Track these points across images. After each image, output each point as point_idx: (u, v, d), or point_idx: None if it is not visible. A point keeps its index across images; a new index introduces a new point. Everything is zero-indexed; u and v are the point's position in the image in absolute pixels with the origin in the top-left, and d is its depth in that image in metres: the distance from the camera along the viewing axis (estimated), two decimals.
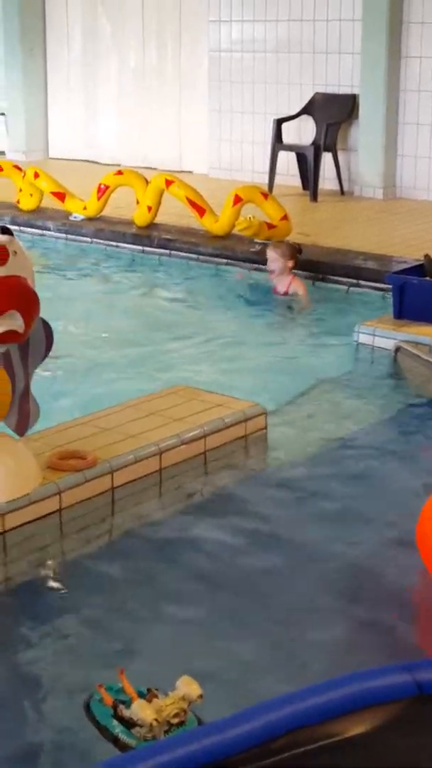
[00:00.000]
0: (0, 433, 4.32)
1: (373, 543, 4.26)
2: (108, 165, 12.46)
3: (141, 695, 3.07)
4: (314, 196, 10.67)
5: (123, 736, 2.97)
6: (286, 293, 7.78)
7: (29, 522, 4.21)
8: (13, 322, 3.98)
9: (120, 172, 9.78)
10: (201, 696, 2.98)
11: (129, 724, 2.99)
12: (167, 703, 2.97)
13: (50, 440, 4.69)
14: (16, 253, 4.02)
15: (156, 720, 2.93)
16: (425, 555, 3.88)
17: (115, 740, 2.99)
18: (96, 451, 4.58)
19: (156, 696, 3.04)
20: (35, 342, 4.31)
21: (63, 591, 3.99)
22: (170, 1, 12.36)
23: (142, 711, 2.96)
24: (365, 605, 3.87)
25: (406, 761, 2.80)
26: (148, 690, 3.08)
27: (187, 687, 3.01)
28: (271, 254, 7.80)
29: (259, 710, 2.90)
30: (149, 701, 3.01)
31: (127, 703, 3.03)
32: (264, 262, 7.98)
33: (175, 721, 2.95)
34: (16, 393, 4.27)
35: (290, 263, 7.79)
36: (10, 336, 4.02)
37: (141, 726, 2.96)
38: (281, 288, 7.81)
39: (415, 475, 4.91)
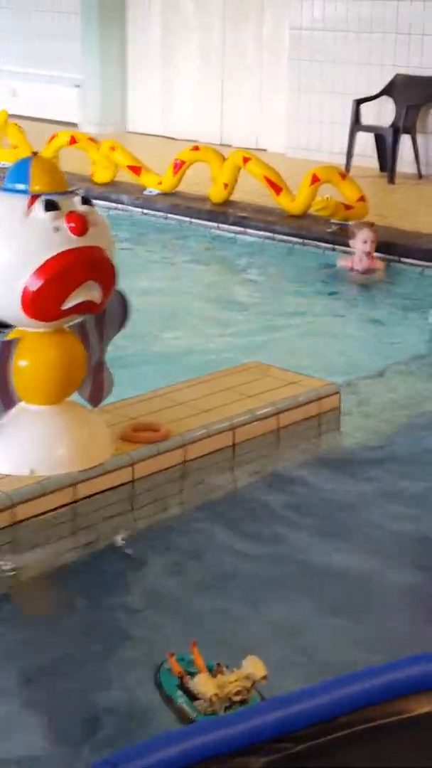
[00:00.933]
0: (74, 403, 4.33)
1: None
2: (184, 141, 12.43)
3: (210, 669, 3.07)
4: (392, 179, 10.56)
5: (186, 707, 2.99)
6: (367, 270, 7.73)
7: (101, 492, 4.23)
8: (91, 292, 3.98)
9: (196, 148, 9.76)
10: (265, 677, 2.98)
11: (193, 696, 3.00)
12: (230, 680, 2.97)
13: (124, 412, 4.70)
14: (95, 223, 4.02)
15: (216, 695, 2.94)
16: None
17: (177, 710, 3.01)
18: (169, 424, 4.58)
19: (222, 672, 3.04)
20: (112, 314, 4.32)
21: (132, 562, 3.99)
22: None
23: (203, 685, 2.97)
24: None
25: None
26: (218, 665, 3.08)
27: (253, 666, 3.01)
28: (371, 235, 7.71)
29: (326, 687, 2.90)
30: (214, 676, 3.02)
31: (195, 675, 3.04)
32: (345, 243, 7.93)
33: (237, 698, 2.96)
34: (91, 364, 4.29)
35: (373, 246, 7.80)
36: (87, 307, 4.02)
37: (202, 699, 2.97)
38: (365, 265, 7.74)
39: None
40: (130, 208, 9.77)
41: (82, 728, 3.07)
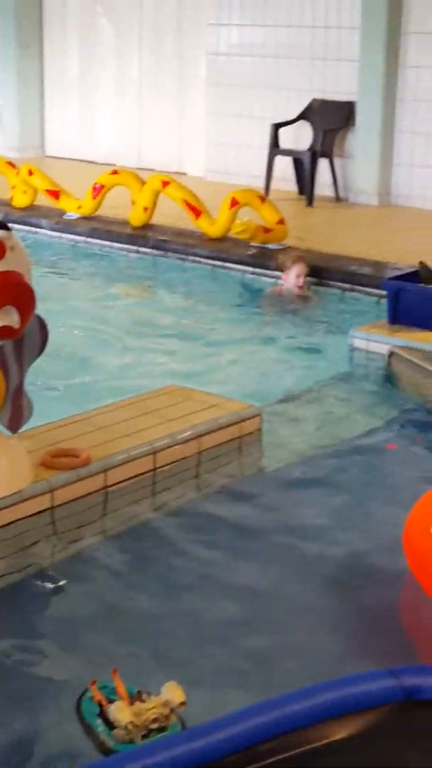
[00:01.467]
0: None
1: (364, 547, 4.23)
2: (104, 165, 12.41)
3: (131, 696, 3.02)
4: (310, 202, 10.65)
5: (104, 736, 2.93)
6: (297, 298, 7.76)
7: (20, 519, 4.15)
8: (9, 317, 3.95)
9: (116, 172, 9.76)
10: (183, 703, 2.93)
11: (112, 725, 2.94)
12: (148, 707, 2.92)
13: (43, 438, 4.63)
14: (13, 248, 3.98)
15: (132, 723, 2.88)
16: (411, 561, 3.86)
17: (95, 739, 2.95)
18: (89, 449, 4.53)
19: (142, 699, 2.99)
20: (30, 339, 4.27)
21: (53, 588, 3.92)
22: (171, 3, 12.32)
23: (119, 712, 2.92)
24: (356, 609, 3.83)
25: (391, 765, 2.77)
26: (138, 692, 3.03)
27: (171, 693, 2.96)
28: (305, 269, 7.73)
29: (245, 714, 2.87)
30: (132, 703, 2.96)
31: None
32: (265, 265, 7.96)
33: (155, 726, 2.90)
34: (10, 390, 4.23)
35: None
36: (5, 332, 3.98)
37: (119, 728, 2.91)
38: (295, 295, 7.74)
39: (407, 479, 4.88)
40: (49, 232, 9.71)
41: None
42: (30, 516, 4.19)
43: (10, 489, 4.13)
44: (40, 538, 4.18)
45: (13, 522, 4.12)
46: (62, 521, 4.28)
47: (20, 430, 4.38)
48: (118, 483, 4.52)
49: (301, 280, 7.68)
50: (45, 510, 4.24)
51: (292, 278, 7.69)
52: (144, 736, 2.89)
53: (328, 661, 3.49)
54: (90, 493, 4.42)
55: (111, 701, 2.97)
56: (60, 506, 4.30)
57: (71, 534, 4.27)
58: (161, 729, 2.92)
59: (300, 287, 7.71)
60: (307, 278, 7.77)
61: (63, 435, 4.71)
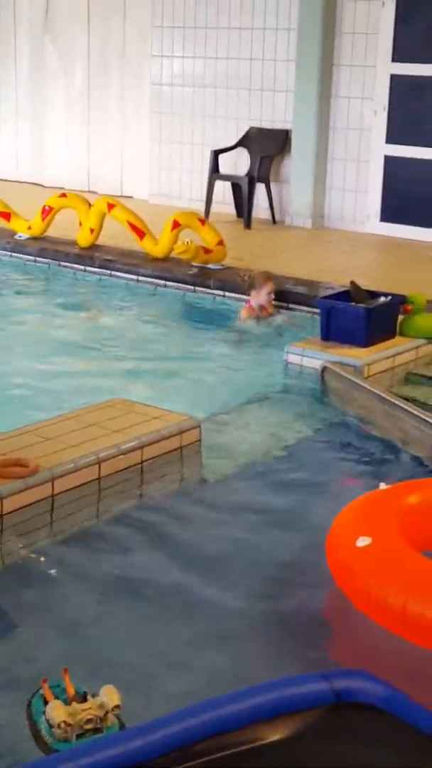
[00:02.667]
0: None
1: (294, 552, 4.22)
2: (53, 188, 12.38)
3: (78, 696, 3.00)
4: (248, 224, 10.69)
5: (44, 733, 2.90)
6: (266, 316, 7.66)
7: None
8: None
9: (64, 195, 9.70)
10: (118, 706, 2.90)
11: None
12: (83, 708, 2.89)
13: None
14: None
15: (65, 722, 2.85)
16: (332, 566, 3.86)
17: (36, 736, 2.92)
18: (37, 459, 4.50)
19: (85, 700, 2.97)
20: None
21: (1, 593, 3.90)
22: (115, 33, 12.33)
23: (53, 711, 2.89)
24: (282, 615, 3.81)
25: (323, 765, 2.77)
26: (84, 693, 3.00)
27: (107, 696, 2.93)
28: (273, 287, 7.66)
29: (179, 715, 2.85)
30: (68, 703, 2.94)
31: (64, 702, 2.96)
32: (205, 284, 7.94)
33: (89, 726, 2.87)
34: None
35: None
36: None
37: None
38: (265, 312, 7.65)
39: (336, 486, 4.91)
40: (1, 251, 9.64)
41: None
42: None
43: None
44: None
45: None
46: (10, 529, 4.25)
47: None
48: (64, 491, 4.49)
49: (271, 298, 7.66)
50: None
51: (263, 296, 7.62)
52: (79, 736, 2.87)
53: (252, 665, 3.49)
54: (37, 501, 4.38)
55: (63, 700, 2.95)
56: (8, 514, 4.26)
57: (19, 540, 4.23)
58: (96, 730, 2.89)
59: (270, 304, 7.68)
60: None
61: (11, 446, 4.67)
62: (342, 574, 3.76)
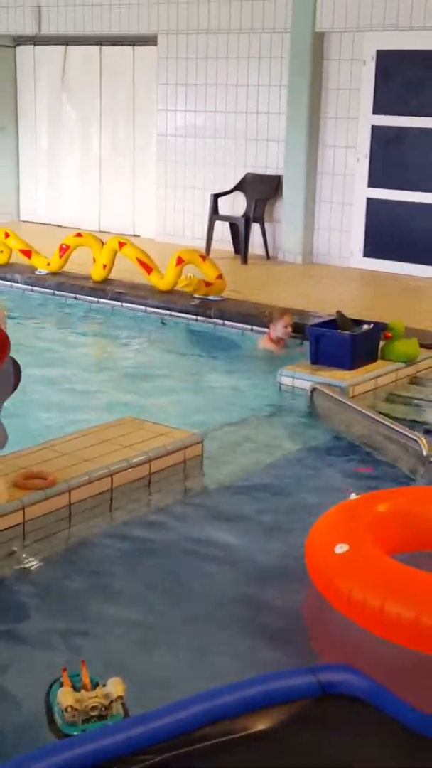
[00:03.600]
0: None
1: (280, 554, 4.24)
2: (69, 228, 12.41)
3: (93, 686, 3.01)
4: (244, 260, 10.71)
5: (56, 717, 2.91)
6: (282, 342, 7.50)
7: None
8: None
9: (79, 234, 9.73)
10: (121, 697, 2.92)
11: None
12: (90, 696, 2.91)
13: (15, 463, 4.61)
14: None
15: (71, 707, 2.87)
16: (312, 571, 3.84)
17: (49, 718, 2.93)
18: (55, 472, 4.51)
19: (96, 688, 2.98)
20: (5, 377, 4.25)
21: (25, 591, 3.90)
22: (125, 92, 12.39)
23: (62, 696, 2.92)
24: (267, 614, 3.79)
25: (309, 753, 2.77)
26: (96, 683, 3.01)
27: (112, 686, 2.95)
28: (290, 320, 7.45)
29: (176, 706, 2.85)
30: (78, 691, 2.95)
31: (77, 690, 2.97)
32: (206, 315, 7.94)
33: (94, 713, 2.88)
34: None
35: None
36: None
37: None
38: (281, 344, 7.47)
39: (321, 497, 4.85)
40: (22, 285, 9.66)
41: None
42: (4, 530, 4.17)
43: None
44: (12, 549, 4.15)
45: None
46: (32, 534, 4.26)
47: None
48: (80, 501, 4.50)
49: (287, 331, 7.43)
50: (17, 524, 4.22)
51: (279, 328, 7.40)
52: (85, 721, 2.88)
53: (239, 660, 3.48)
54: (56, 510, 4.40)
55: (77, 688, 2.96)
56: (30, 521, 4.28)
57: (39, 545, 4.24)
58: (101, 717, 2.90)
59: (285, 336, 7.46)
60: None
61: (31, 461, 4.68)
62: (322, 579, 3.73)
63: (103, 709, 2.89)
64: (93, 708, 2.88)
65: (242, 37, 10.98)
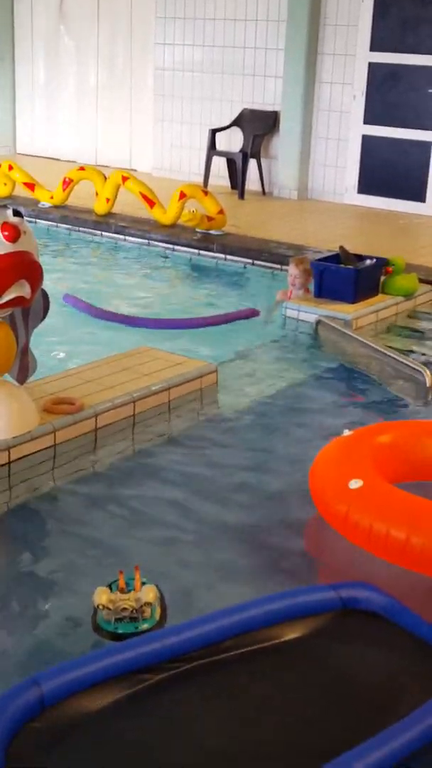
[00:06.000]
0: (5, 381, 4.37)
1: (285, 479, 4.38)
2: (66, 161, 12.41)
3: (129, 591, 3.21)
4: (241, 195, 10.77)
5: (98, 612, 3.12)
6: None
7: (30, 454, 4.30)
8: (23, 289, 4.03)
9: (82, 168, 9.73)
10: (149, 603, 3.11)
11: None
12: (121, 598, 3.12)
13: (44, 389, 4.76)
14: (25, 232, 4.09)
15: (102, 605, 3.09)
16: (314, 493, 3.93)
17: (93, 615, 3.14)
18: (81, 398, 4.67)
19: (134, 591, 3.18)
20: (35, 307, 4.37)
21: (57, 511, 4.07)
22: (123, 24, 12.29)
23: (96, 596, 3.13)
24: (268, 539, 3.91)
25: (331, 664, 2.97)
26: (132, 588, 3.21)
27: (144, 593, 3.14)
28: (295, 271, 6.87)
29: (211, 617, 3.05)
30: (115, 592, 3.16)
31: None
32: (208, 249, 8.00)
33: (125, 614, 3.09)
34: (18, 349, 4.34)
35: (310, 279, 6.84)
36: (18, 301, 4.06)
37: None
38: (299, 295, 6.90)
39: (326, 424, 5.00)
40: (27, 219, 9.64)
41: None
42: (37, 452, 4.33)
43: (23, 429, 4.26)
44: (44, 471, 4.32)
45: (24, 456, 4.26)
46: (62, 456, 4.43)
47: (27, 382, 4.50)
48: (105, 426, 4.67)
49: (296, 281, 6.84)
50: (49, 447, 4.39)
51: (289, 277, 6.92)
52: (118, 620, 3.09)
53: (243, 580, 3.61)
54: (84, 434, 4.56)
55: (129, 590, 3.17)
56: (60, 444, 4.44)
57: (69, 466, 4.42)
58: (133, 619, 3.09)
59: (292, 285, 6.89)
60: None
61: (56, 387, 4.83)
62: (339, 515, 3.73)
63: (134, 611, 3.10)
64: (123, 609, 3.10)
65: None
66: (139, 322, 6.41)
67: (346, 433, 4.22)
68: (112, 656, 2.86)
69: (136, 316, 6.61)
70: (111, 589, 3.18)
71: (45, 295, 4.42)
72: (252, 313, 6.71)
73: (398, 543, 3.50)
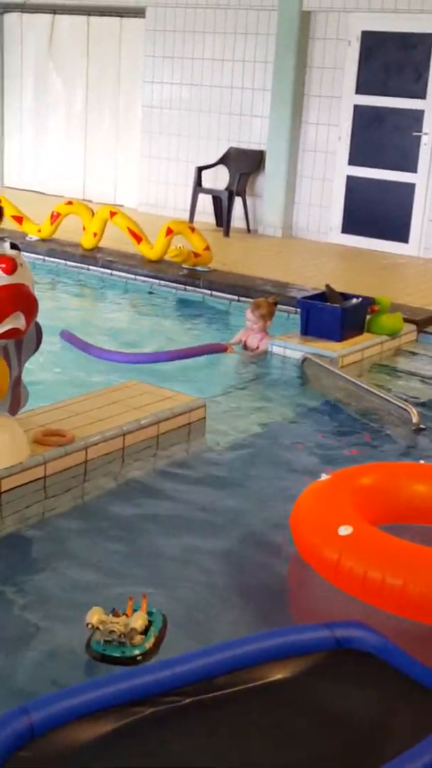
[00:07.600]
0: None
1: (270, 513, 4.41)
2: (53, 196, 12.49)
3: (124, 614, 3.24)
4: (227, 233, 10.88)
5: (94, 633, 3.18)
6: (256, 348, 6.78)
7: (21, 485, 4.32)
8: (18, 321, 4.07)
9: (70, 203, 9.81)
10: (136, 629, 3.15)
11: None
12: (112, 621, 3.15)
13: (35, 420, 4.78)
14: (22, 264, 4.13)
15: (92, 625, 3.15)
16: (297, 539, 3.90)
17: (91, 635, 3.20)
18: (72, 430, 4.69)
19: (127, 616, 3.21)
20: (28, 339, 4.39)
21: (46, 540, 4.08)
22: (112, 61, 12.44)
23: (89, 614, 3.17)
24: (250, 575, 3.93)
25: (324, 703, 2.98)
26: (123, 613, 3.24)
27: (134, 619, 3.18)
28: (251, 316, 6.75)
29: (205, 652, 3.05)
30: (109, 614, 3.19)
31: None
32: (194, 285, 8.06)
33: (109, 638, 3.14)
34: (11, 380, 4.35)
35: (269, 323, 6.79)
36: (13, 333, 4.09)
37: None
38: (252, 343, 6.81)
39: (311, 461, 5.07)
40: None
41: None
42: (27, 483, 4.35)
43: (14, 461, 4.28)
44: (33, 502, 4.34)
45: (15, 487, 4.28)
46: (53, 487, 4.45)
47: (18, 414, 4.52)
48: (95, 458, 4.69)
49: (254, 326, 6.77)
50: (39, 479, 4.41)
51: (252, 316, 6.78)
52: (107, 642, 3.14)
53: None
54: (74, 466, 4.59)
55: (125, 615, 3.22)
56: (50, 476, 4.46)
57: (59, 498, 4.43)
58: (121, 644, 3.14)
59: (251, 330, 6.81)
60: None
61: (47, 419, 4.85)
62: (326, 561, 3.69)
63: (122, 636, 3.12)
64: (111, 632, 3.12)
65: (230, 13, 11.09)
66: (105, 356, 6.38)
67: (324, 477, 4.20)
68: (103, 687, 2.86)
69: (102, 348, 6.56)
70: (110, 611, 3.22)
71: (38, 327, 4.44)
72: (221, 348, 6.70)
73: (395, 590, 3.48)
